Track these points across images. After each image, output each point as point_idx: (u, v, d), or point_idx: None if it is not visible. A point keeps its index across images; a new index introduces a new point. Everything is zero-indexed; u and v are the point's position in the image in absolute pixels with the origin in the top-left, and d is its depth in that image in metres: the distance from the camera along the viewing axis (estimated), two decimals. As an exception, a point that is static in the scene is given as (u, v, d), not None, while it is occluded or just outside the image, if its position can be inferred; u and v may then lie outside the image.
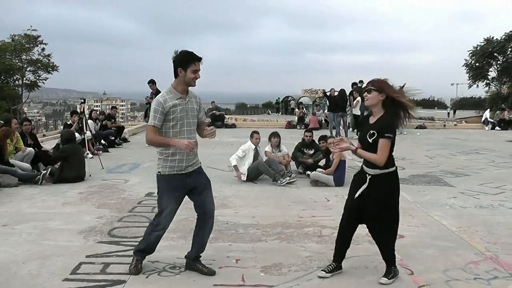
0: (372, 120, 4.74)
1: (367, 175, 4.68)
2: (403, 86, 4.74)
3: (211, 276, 4.84)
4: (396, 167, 4.71)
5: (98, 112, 17.42)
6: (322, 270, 4.91)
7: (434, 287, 4.65)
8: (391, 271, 4.78)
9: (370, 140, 4.60)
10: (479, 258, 5.44)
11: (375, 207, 4.63)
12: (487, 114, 26.28)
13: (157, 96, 4.80)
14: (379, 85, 4.64)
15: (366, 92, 4.68)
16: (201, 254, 5.07)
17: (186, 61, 4.62)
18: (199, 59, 4.65)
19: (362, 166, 4.80)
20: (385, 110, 4.65)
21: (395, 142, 4.65)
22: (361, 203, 4.70)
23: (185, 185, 4.84)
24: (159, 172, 4.84)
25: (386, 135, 4.52)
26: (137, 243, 5.15)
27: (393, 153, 4.67)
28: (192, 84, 4.71)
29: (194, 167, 4.88)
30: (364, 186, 4.68)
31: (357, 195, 4.73)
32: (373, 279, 4.81)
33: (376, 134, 4.57)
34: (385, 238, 4.78)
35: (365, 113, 21.70)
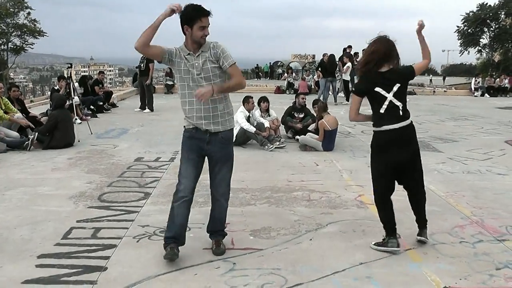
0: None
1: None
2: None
3: (217, 255, 4.59)
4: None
5: (91, 81, 17.13)
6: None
7: (421, 250, 4.73)
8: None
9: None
10: (465, 222, 5.54)
11: None
12: (473, 81, 26.13)
13: None
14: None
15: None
16: (222, 231, 4.80)
17: (191, 18, 4.14)
18: (206, 14, 4.17)
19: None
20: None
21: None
22: None
23: (201, 149, 4.44)
24: (183, 126, 4.54)
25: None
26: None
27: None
28: (201, 42, 4.24)
29: (215, 126, 4.38)
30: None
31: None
32: (360, 242, 4.88)
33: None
34: None
35: (355, 79, 21.67)
